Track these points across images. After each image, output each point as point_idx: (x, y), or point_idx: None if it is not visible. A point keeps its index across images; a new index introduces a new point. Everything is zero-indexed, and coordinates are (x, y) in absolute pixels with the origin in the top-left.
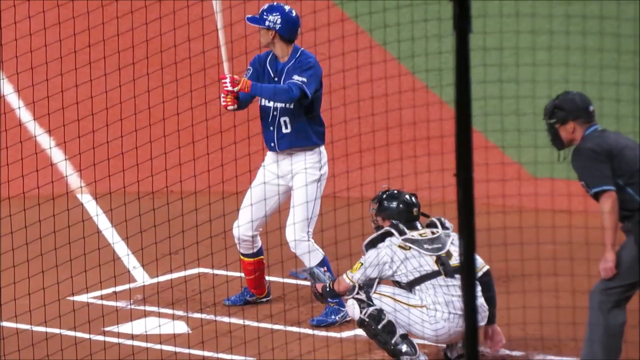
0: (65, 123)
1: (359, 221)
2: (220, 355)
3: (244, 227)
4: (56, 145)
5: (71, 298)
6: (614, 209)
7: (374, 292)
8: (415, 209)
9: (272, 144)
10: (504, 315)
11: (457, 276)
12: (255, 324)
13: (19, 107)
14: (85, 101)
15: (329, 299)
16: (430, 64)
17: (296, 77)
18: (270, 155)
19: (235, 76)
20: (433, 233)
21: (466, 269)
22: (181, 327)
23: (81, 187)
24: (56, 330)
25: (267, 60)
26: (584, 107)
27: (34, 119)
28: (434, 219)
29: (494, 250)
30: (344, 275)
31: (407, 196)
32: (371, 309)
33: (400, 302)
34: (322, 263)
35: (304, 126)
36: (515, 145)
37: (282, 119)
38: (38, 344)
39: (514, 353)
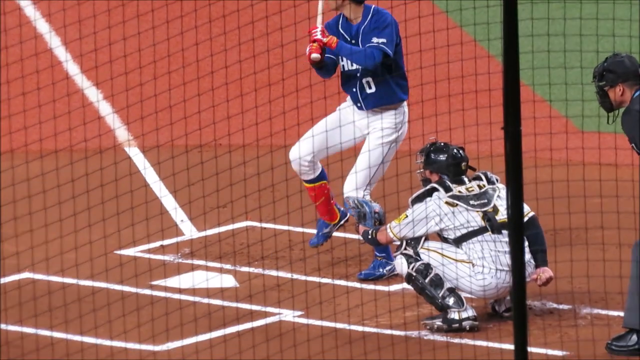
0: (112, 76)
1: (406, 175)
2: (268, 309)
3: (305, 152)
4: (104, 98)
5: (118, 252)
6: None
7: (422, 248)
8: (463, 163)
9: (359, 104)
10: (551, 268)
11: (504, 232)
12: (303, 277)
13: (66, 60)
14: (133, 54)
15: (377, 253)
16: (478, 18)
17: (375, 40)
18: (349, 102)
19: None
20: (480, 187)
21: (514, 222)
22: (229, 281)
23: (129, 140)
24: (103, 285)
25: (338, 26)
26: (633, 70)
27: (82, 72)
28: (480, 173)
29: (541, 204)
30: (388, 228)
31: (454, 150)
32: (418, 263)
33: (448, 257)
34: None
35: (387, 83)
36: (563, 99)
37: (364, 80)
38: (85, 298)
39: (561, 306)
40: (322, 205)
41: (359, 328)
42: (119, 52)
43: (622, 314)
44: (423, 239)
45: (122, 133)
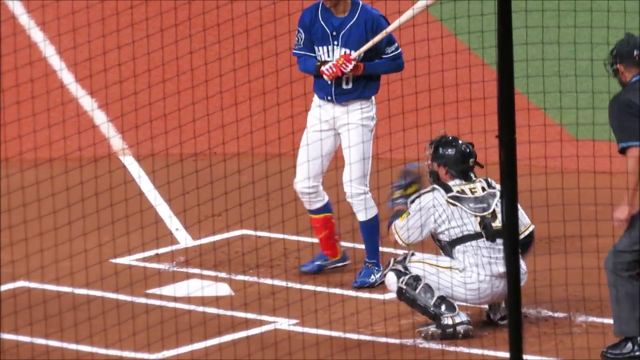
0: (107, 85)
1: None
2: (263, 318)
3: (300, 180)
4: (98, 107)
5: (113, 260)
6: (636, 169)
7: (413, 262)
8: (471, 160)
9: (329, 97)
10: (546, 276)
11: (499, 240)
12: (298, 285)
13: (61, 69)
14: (128, 63)
15: (367, 260)
16: (473, 26)
17: (389, 50)
18: (316, 100)
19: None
20: (483, 189)
21: (508, 230)
22: (224, 289)
23: (123, 149)
24: (98, 293)
25: (317, 16)
26: (627, 50)
27: (76, 81)
28: (481, 179)
29: (535, 212)
30: (393, 227)
31: (463, 145)
32: (407, 277)
33: (442, 266)
34: (375, 220)
35: (363, 80)
36: (557, 107)
37: (344, 76)
38: (80, 306)
39: (557, 314)
40: (325, 240)
41: (355, 336)
42: (113, 60)
43: None
44: (411, 253)
45: (116, 142)
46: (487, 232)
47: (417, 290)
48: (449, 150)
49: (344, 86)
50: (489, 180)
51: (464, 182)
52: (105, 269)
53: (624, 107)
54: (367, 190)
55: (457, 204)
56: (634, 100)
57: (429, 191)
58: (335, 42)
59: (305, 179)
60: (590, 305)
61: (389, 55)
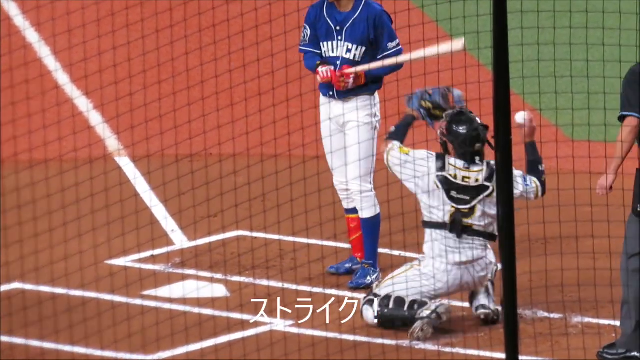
0: (103, 85)
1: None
2: (259, 319)
3: (335, 177)
4: (94, 108)
5: (109, 262)
6: (628, 137)
7: (382, 286)
8: (478, 145)
9: (331, 92)
10: (542, 277)
11: (465, 236)
12: (294, 287)
13: (56, 70)
14: (123, 64)
15: (364, 260)
16: (468, 27)
17: (390, 45)
18: (321, 98)
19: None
20: (477, 181)
21: (505, 232)
22: (220, 291)
23: (119, 150)
24: (94, 295)
25: (323, 11)
26: None
27: (72, 82)
28: (486, 169)
29: (532, 213)
30: (391, 145)
31: (476, 127)
32: (377, 301)
33: (408, 272)
34: (377, 219)
35: (366, 77)
36: (553, 108)
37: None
38: (75, 308)
39: (552, 315)
40: (357, 241)
41: (351, 337)
42: (108, 61)
43: (612, 322)
44: (377, 280)
45: (112, 143)
46: (453, 226)
47: (390, 308)
48: (461, 129)
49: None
50: (493, 170)
51: (465, 165)
52: (101, 270)
53: (631, 76)
54: (371, 187)
55: (441, 187)
56: (637, 71)
57: (431, 156)
58: (339, 37)
59: (339, 174)
60: (586, 307)
61: (390, 51)
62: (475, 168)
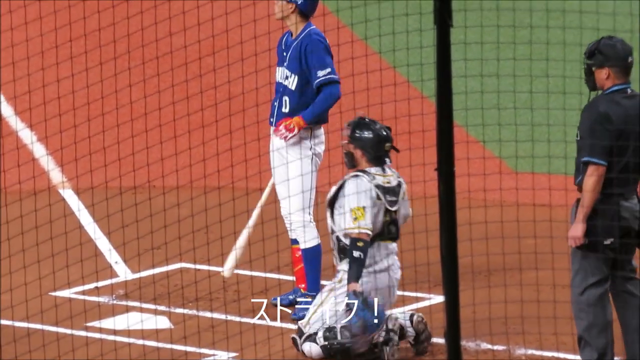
0: (46, 118)
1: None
2: (203, 351)
3: (282, 208)
4: (38, 140)
5: (53, 293)
6: (596, 188)
7: (311, 322)
8: (387, 144)
9: (271, 119)
10: (485, 309)
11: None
12: (237, 319)
13: (0, 102)
14: (67, 96)
15: (306, 292)
16: (412, 59)
17: (320, 74)
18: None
19: (286, 123)
20: (396, 182)
21: (448, 264)
22: (163, 322)
23: (63, 182)
24: (38, 326)
25: (285, 36)
26: (622, 56)
27: (15, 114)
28: (393, 170)
29: (475, 245)
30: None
31: (381, 129)
32: (320, 334)
33: (321, 302)
34: (316, 250)
35: (302, 107)
36: (496, 140)
37: (284, 98)
38: (20, 339)
39: (496, 347)
40: (301, 272)
41: None
42: (52, 93)
43: (556, 354)
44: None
45: (56, 175)
46: (391, 234)
47: (324, 341)
48: (366, 132)
49: (283, 109)
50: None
51: (380, 170)
52: (45, 302)
53: (600, 121)
54: (311, 219)
55: (382, 197)
56: (612, 117)
57: (352, 177)
58: (285, 64)
59: (284, 204)
60: (529, 339)
61: (319, 79)
62: (389, 172)
